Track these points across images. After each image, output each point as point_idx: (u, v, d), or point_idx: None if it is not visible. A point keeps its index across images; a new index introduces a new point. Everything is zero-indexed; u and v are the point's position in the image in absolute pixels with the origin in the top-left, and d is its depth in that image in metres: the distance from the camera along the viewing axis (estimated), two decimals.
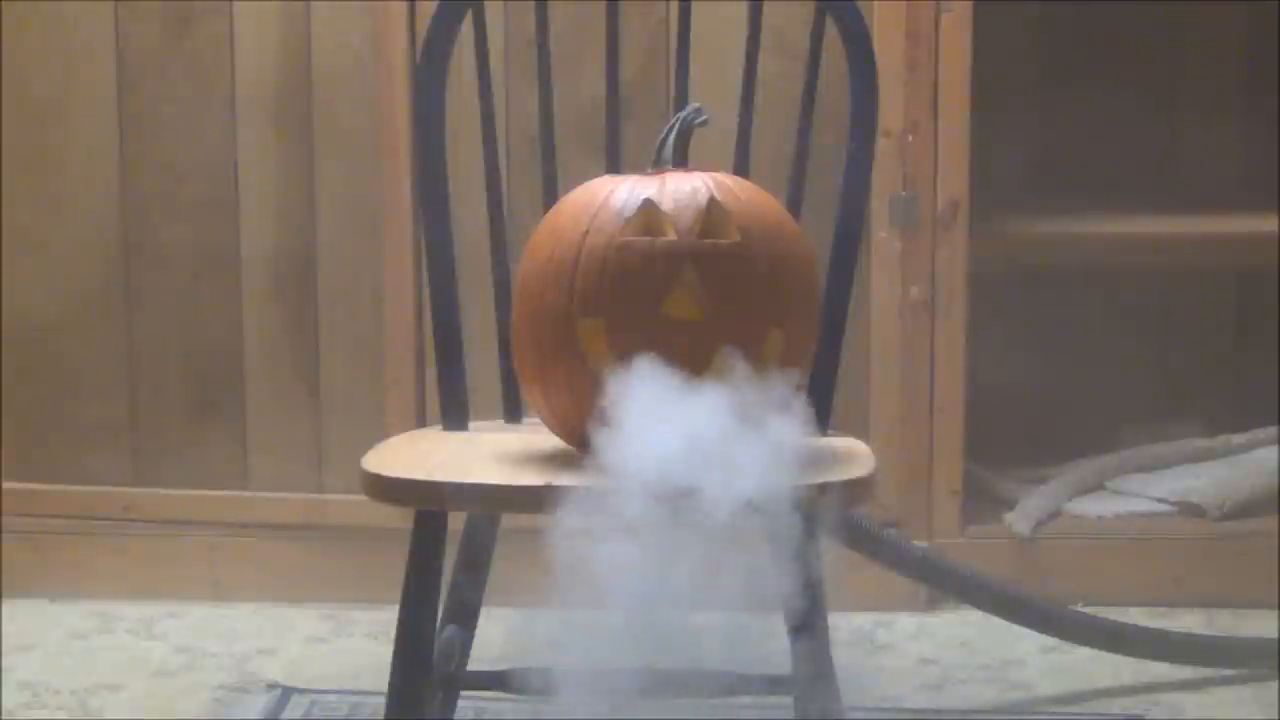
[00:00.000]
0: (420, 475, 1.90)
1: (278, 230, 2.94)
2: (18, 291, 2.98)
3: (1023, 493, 3.06)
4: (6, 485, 3.02)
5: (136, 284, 2.97)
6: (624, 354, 1.82)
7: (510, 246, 2.18)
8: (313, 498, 2.98)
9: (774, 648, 1.90)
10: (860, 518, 2.62)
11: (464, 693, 2.22)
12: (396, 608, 1.95)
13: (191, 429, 2.99)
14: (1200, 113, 3.30)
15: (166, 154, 2.94)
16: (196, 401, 2.99)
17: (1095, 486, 3.12)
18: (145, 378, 2.99)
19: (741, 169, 2.15)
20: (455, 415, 2.15)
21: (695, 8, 2.21)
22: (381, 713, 1.97)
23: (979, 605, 2.71)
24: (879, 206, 2.85)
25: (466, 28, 2.16)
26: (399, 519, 2.16)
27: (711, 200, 1.88)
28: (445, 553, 1.96)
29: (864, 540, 2.62)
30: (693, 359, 1.82)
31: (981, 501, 3.03)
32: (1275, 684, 2.64)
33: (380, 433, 2.41)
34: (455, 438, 2.10)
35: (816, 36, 2.13)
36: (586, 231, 1.88)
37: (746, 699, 2.03)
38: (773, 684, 1.95)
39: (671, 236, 1.86)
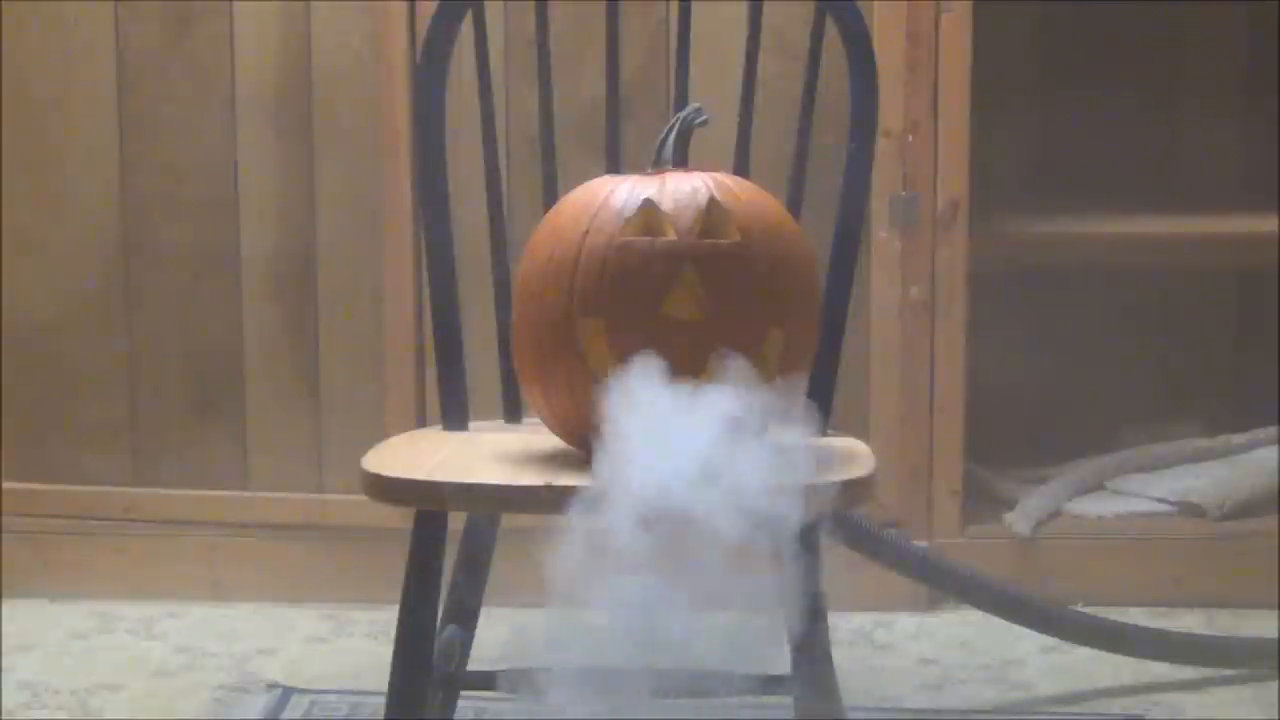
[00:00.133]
0: (420, 475, 1.90)
1: (278, 230, 2.95)
2: (18, 291, 2.98)
3: (1023, 493, 3.06)
4: (6, 485, 3.02)
5: (136, 284, 2.97)
6: (624, 354, 1.82)
7: (510, 246, 2.18)
8: (313, 498, 2.98)
9: (774, 648, 1.90)
10: (860, 518, 2.62)
11: (464, 693, 2.22)
12: (396, 608, 1.95)
13: (191, 429, 2.99)
14: (1200, 113, 3.30)
15: (166, 154, 2.94)
16: (196, 401, 2.99)
17: (1095, 486, 3.12)
18: (145, 378, 2.99)
19: (741, 169, 2.15)
20: (455, 415, 2.15)
21: (695, 8, 2.21)
22: (381, 713, 1.97)
23: (979, 605, 2.71)
24: (879, 206, 2.85)
25: (466, 28, 2.16)
26: (399, 519, 2.16)
27: (711, 200, 1.88)
28: (445, 553, 1.96)
29: (864, 540, 2.62)
30: (693, 359, 1.82)
31: (981, 501, 3.03)
32: (1275, 684, 2.64)
33: (380, 433, 2.41)
34: (455, 438, 2.10)
35: (816, 36, 2.13)
36: (586, 231, 1.88)
37: (746, 699, 2.03)
38: (773, 684, 1.95)
39: (671, 236, 1.86)
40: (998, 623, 2.72)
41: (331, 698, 2.62)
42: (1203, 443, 3.19)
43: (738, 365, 1.80)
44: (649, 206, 1.88)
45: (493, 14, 2.37)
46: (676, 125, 1.97)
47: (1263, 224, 2.97)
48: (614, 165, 2.17)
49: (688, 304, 1.85)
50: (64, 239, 2.97)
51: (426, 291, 2.20)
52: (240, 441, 2.99)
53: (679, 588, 1.72)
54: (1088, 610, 2.74)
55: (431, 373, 2.81)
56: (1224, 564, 2.94)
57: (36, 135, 2.95)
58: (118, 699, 2.63)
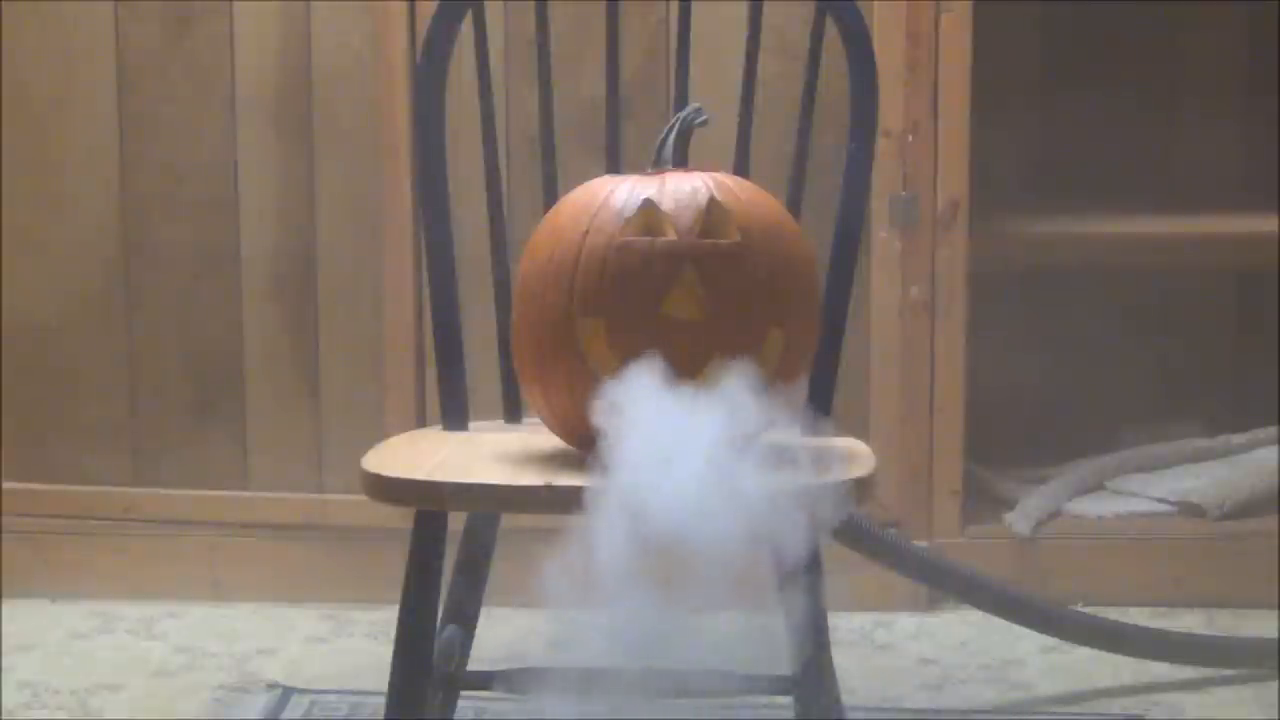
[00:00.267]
0: (420, 475, 1.90)
1: (278, 230, 2.95)
2: (18, 291, 2.98)
3: (1023, 493, 3.06)
4: (6, 485, 3.02)
5: (136, 284, 2.97)
6: (624, 354, 1.82)
7: (510, 246, 2.18)
8: (313, 498, 2.98)
9: (774, 648, 1.90)
10: (860, 518, 2.62)
11: (464, 693, 2.22)
12: (396, 608, 1.95)
13: (191, 429, 2.99)
14: (1200, 113, 3.30)
15: (166, 154, 2.94)
16: (196, 401, 2.99)
17: (1095, 486, 3.12)
18: (145, 378, 2.99)
19: (741, 169, 2.15)
20: (455, 415, 2.15)
21: (695, 8, 2.21)
22: (381, 713, 1.97)
23: (979, 605, 2.71)
24: (879, 206, 2.85)
25: (466, 28, 2.16)
26: (399, 519, 2.16)
27: (711, 200, 1.88)
28: (445, 553, 1.96)
29: (864, 540, 2.62)
30: (693, 359, 1.82)
31: (981, 501, 3.03)
32: (1275, 684, 2.64)
33: (380, 433, 2.41)
34: (455, 438, 2.10)
35: (816, 36, 2.13)
36: (586, 231, 1.88)
37: (746, 699, 2.03)
38: (773, 684, 1.95)
39: (671, 236, 1.86)
40: (998, 623, 2.72)
41: (331, 698, 2.62)
42: (1203, 443, 3.19)
43: (738, 365, 1.80)
44: (649, 206, 1.88)
45: (493, 14, 2.37)
46: (676, 125, 1.97)
47: (1263, 224, 2.97)
48: (614, 165, 2.17)
49: (688, 304, 1.85)
50: (64, 239, 2.97)
51: (426, 291, 2.20)
52: (240, 441, 2.99)
53: (679, 589, 1.73)
54: (1088, 610, 2.74)
55: (431, 373, 2.81)
56: (1224, 564, 2.94)
57: (36, 135, 2.95)
58: (118, 699, 2.63)
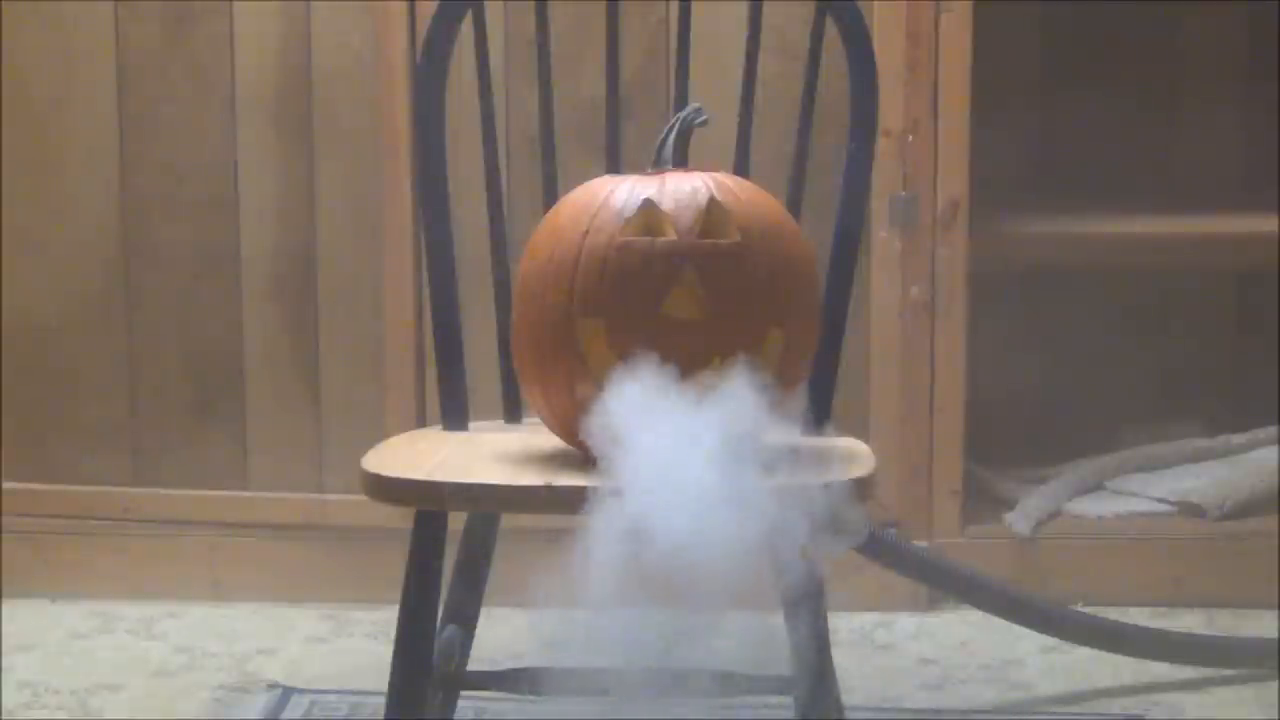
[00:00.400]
0: (420, 475, 1.90)
1: (278, 230, 2.95)
2: (18, 291, 2.98)
3: (1023, 493, 3.06)
4: (6, 485, 3.02)
5: (136, 284, 2.97)
6: (624, 354, 1.82)
7: (510, 246, 2.18)
8: (313, 498, 2.98)
9: (774, 648, 1.90)
10: (868, 523, 2.62)
11: (464, 693, 2.22)
12: (396, 608, 1.95)
13: (191, 429, 2.99)
14: (1200, 113, 3.30)
15: (166, 154, 2.94)
16: (196, 401, 2.99)
17: (1095, 486, 3.12)
18: (145, 378, 2.99)
19: (741, 169, 2.15)
20: (455, 415, 2.15)
21: (695, 8, 2.21)
22: (381, 713, 1.97)
23: (979, 605, 2.71)
24: (879, 206, 2.85)
25: (466, 28, 2.16)
26: (399, 519, 2.16)
27: (711, 200, 1.88)
28: (445, 553, 1.96)
29: (865, 541, 2.62)
30: (693, 359, 1.82)
31: (981, 501, 3.03)
32: (1275, 684, 2.64)
33: (380, 433, 2.41)
34: (455, 438, 2.10)
35: (816, 36, 2.13)
36: (586, 231, 1.88)
37: (746, 699, 2.03)
38: (773, 684, 1.95)
39: (671, 236, 1.86)
40: (998, 623, 2.72)
41: (331, 698, 2.62)
42: (1203, 443, 3.19)
43: (738, 366, 1.80)
44: (649, 206, 1.88)
45: (493, 14, 2.37)
46: (676, 125, 1.97)
47: (1263, 224, 2.97)
48: (614, 165, 2.17)
49: (688, 304, 1.85)
50: (64, 239, 2.97)
51: (426, 291, 2.20)
52: (240, 441, 2.99)
53: (680, 589, 1.72)
54: (1088, 610, 2.74)
55: (431, 373, 2.81)
56: (1224, 564, 2.94)
57: (36, 135, 2.95)
58: (118, 699, 2.63)
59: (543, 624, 1.90)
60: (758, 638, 1.90)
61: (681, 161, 1.97)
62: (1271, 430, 3.17)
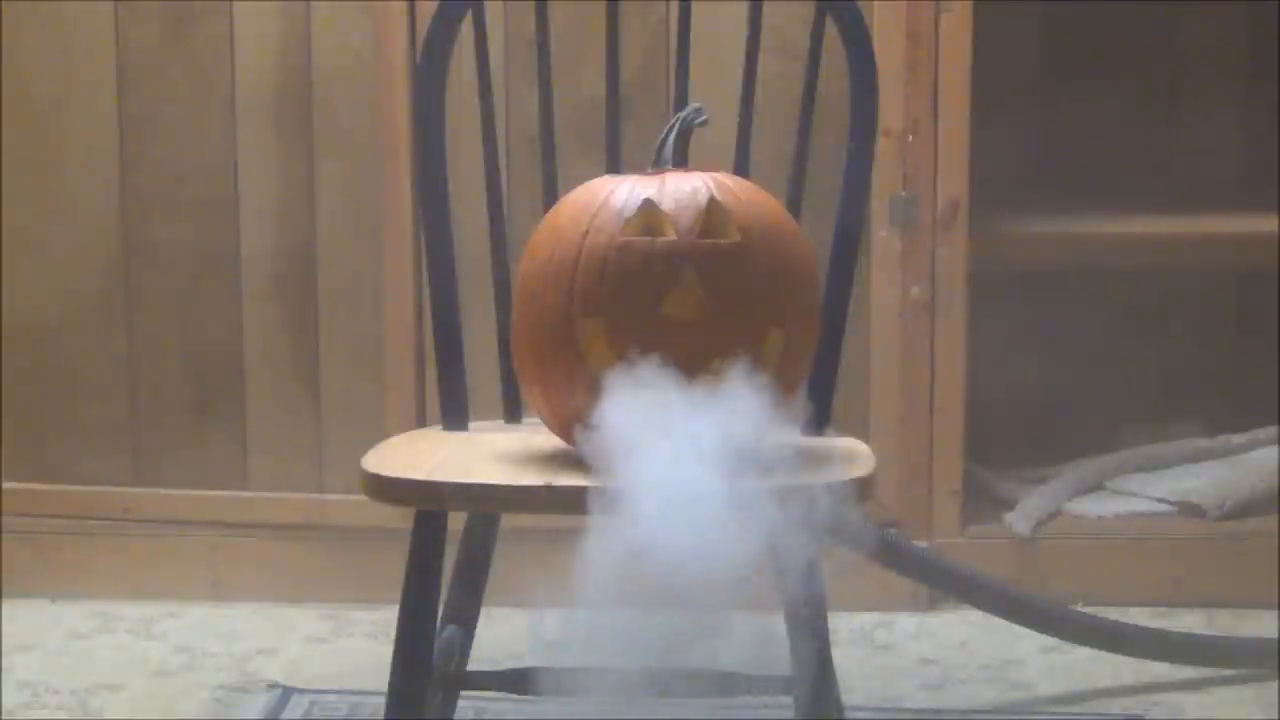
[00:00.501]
0: (420, 475, 1.90)
1: (278, 230, 2.95)
2: (18, 291, 2.98)
3: (1023, 493, 3.06)
4: (6, 485, 3.02)
5: (136, 284, 2.97)
6: (624, 354, 1.82)
7: (510, 246, 2.18)
8: (313, 498, 2.98)
9: (774, 648, 1.90)
10: (864, 521, 2.62)
11: (464, 693, 2.22)
12: (396, 608, 1.95)
13: (191, 429, 2.99)
14: (1200, 113, 3.30)
15: (166, 154, 2.94)
16: (196, 401, 2.99)
17: (1095, 486, 3.12)
18: (145, 378, 2.99)
19: (741, 169, 2.15)
20: (455, 415, 2.15)
21: (695, 8, 2.21)
22: (381, 713, 1.97)
23: (979, 605, 2.71)
24: (879, 206, 2.85)
25: (466, 28, 2.16)
26: (399, 519, 2.16)
27: (711, 200, 1.88)
28: (445, 553, 1.96)
29: (864, 541, 2.62)
30: (692, 359, 1.82)
31: (981, 501, 3.03)
32: (1275, 684, 2.64)
33: (380, 433, 2.41)
34: (455, 438, 2.10)
35: (816, 36, 2.13)
36: (586, 231, 1.88)
37: (746, 699, 2.03)
38: (773, 684, 1.95)
39: (671, 236, 1.86)
40: (998, 623, 2.72)
41: (331, 698, 2.62)
42: (1203, 443, 3.19)
43: (738, 366, 1.80)
44: (649, 206, 1.88)
45: (493, 14, 2.37)
46: (676, 125, 1.97)
47: (1263, 224, 2.97)
48: (614, 165, 2.17)
49: (688, 304, 1.85)
50: (64, 239, 2.97)
51: (426, 291, 2.20)
52: (240, 441, 2.99)
53: (680, 589, 1.73)
54: (1088, 610, 2.74)
55: (431, 373, 2.81)
56: (1224, 564, 2.94)
57: (36, 135, 2.95)
58: (118, 699, 2.63)
59: (543, 624, 1.90)
60: (758, 638, 1.90)
61: (681, 161, 1.97)
62: (1271, 430, 3.17)
